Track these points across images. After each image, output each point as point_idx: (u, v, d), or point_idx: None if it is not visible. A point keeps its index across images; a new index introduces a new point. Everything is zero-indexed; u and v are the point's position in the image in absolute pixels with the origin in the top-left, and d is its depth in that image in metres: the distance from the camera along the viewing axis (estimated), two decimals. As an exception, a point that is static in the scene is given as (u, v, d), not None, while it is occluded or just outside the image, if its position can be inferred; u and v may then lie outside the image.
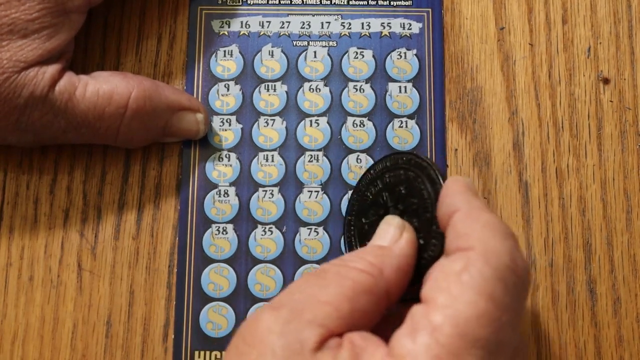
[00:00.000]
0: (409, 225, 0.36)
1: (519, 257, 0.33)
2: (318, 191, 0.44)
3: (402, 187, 0.38)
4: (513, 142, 0.45)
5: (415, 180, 0.37)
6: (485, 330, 0.30)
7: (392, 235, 0.36)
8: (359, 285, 0.33)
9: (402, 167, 0.38)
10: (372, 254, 0.35)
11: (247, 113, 0.45)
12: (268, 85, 0.45)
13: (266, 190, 0.44)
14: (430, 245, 0.36)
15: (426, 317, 0.31)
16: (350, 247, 0.40)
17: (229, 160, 0.44)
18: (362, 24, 0.46)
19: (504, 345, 0.31)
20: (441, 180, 0.36)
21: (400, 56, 0.46)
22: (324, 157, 0.44)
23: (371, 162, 0.44)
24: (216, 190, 0.44)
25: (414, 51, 0.46)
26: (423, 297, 0.32)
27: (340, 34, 0.46)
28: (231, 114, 0.45)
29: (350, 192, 0.44)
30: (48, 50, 0.39)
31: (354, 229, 0.40)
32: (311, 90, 0.45)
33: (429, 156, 0.44)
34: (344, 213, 0.43)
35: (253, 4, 0.46)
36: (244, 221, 0.43)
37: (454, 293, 0.31)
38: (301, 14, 0.46)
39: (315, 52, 0.46)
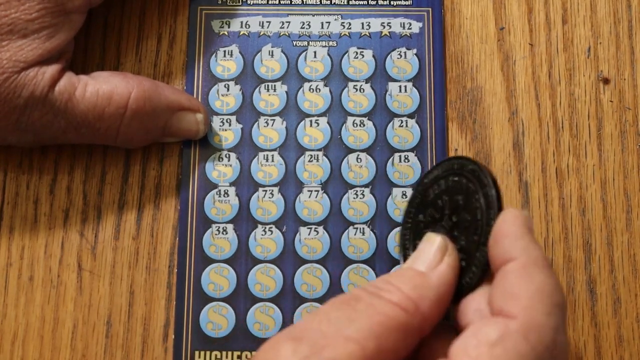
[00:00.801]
0: (452, 247, 0.34)
1: (560, 337, 0.30)
2: (318, 191, 0.44)
3: (460, 197, 0.35)
4: (513, 142, 0.45)
5: (473, 195, 0.35)
6: None
7: (433, 258, 0.33)
8: (391, 321, 0.31)
9: (466, 176, 0.35)
10: (410, 284, 0.32)
11: (247, 113, 0.45)
12: (268, 85, 0.45)
13: (266, 190, 0.44)
14: (470, 272, 0.34)
15: None
16: (403, 241, 0.38)
17: (229, 160, 0.44)
18: (362, 23, 0.46)
19: None
20: (496, 206, 0.34)
21: (400, 56, 0.46)
22: (324, 157, 0.44)
23: (371, 161, 0.44)
24: (216, 190, 0.44)
25: (414, 51, 0.46)
26: (449, 355, 0.30)
27: (340, 33, 0.46)
28: (231, 114, 0.45)
29: (349, 192, 0.44)
30: (48, 50, 0.39)
31: (411, 222, 0.38)
32: (311, 90, 0.45)
33: (429, 156, 0.44)
34: (344, 213, 0.43)
35: (253, 4, 0.46)
36: (244, 221, 0.43)
37: None
38: (301, 14, 0.46)
39: (315, 52, 0.46)
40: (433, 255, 0.34)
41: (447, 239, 0.34)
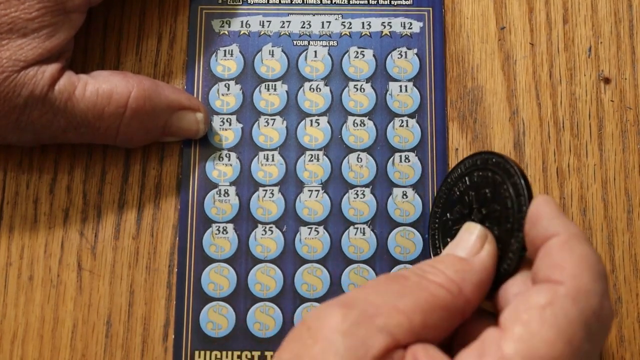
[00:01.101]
0: (490, 236, 0.35)
1: (607, 302, 0.31)
2: (318, 190, 0.44)
3: (487, 190, 0.36)
4: (514, 142, 0.45)
5: (501, 187, 0.36)
6: None
7: (473, 246, 0.35)
8: (436, 299, 0.32)
9: (491, 169, 0.36)
10: (452, 269, 0.33)
11: (248, 112, 0.45)
12: (268, 84, 0.45)
13: (266, 190, 0.44)
14: (507, 259, 0.34)
15: (498, 344, 0.30)
16: (433, 240, 0.40)
17: (229, 160, 0.44)
18: (363, 23, 0.46)
19: None
20: (526, 193, 0.35)
21: (401, 55, 0.46)
22: (325, 157, 0.44)
23: (372, 161, 0.44)
24: (216, 189, 0.44)
25: (415, 50, 0.46)
26: (500, 322, 0.31)
27: (341, 33, 0.46)
28: (231, 114, 0.45)
29: (350, 191, 0.44)
30: (48, 50, 0.39)
31: (439, 222, 0.39)
32: (311, 89, 0.45)
33: (429, 156, 0.44)
34: (344, 213, 0.43)
35: (253, 3, 0.46)
36: (244, 221, 0.43)
37: (533, 328, 0.30)
38: (301, 14, 0.46)
39: (315, 51, 0.46)
40: (473, 243, 0.35)
41: (485, 229, 0.36)
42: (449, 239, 0.37)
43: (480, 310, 0.34)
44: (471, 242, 0.35)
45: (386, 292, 0.32)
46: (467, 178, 0.38)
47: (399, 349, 0.31)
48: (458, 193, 0.38)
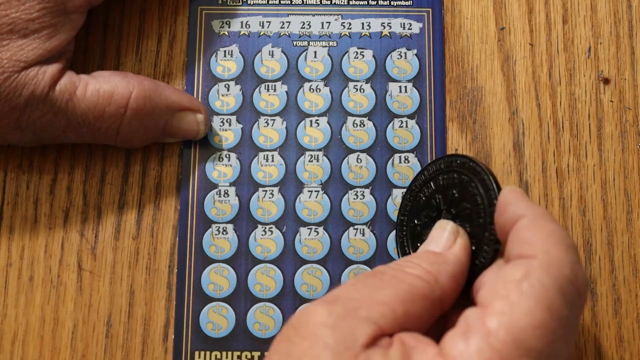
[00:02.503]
0: (462, 231, 0.36)
1: (579, 270, 0.32)
2: (318, 191, 0.44)
3: (455, 191, 0.37)
4: (513, 142, 0.45)
5: (469, 185, 0.37)
6: (540, 341, 0.30)
7: (446, 241, 0.36)
8: (415, 289, 0.33)
9: (456, 170, 0.37)
10: (428, 261, 0.34)
11: (247, 113, 0.45)
12: (268, 85, 0.45)
13: (266, 190, 0.44)
14: (482, 251, 0.35)
15: (481, 321, 0.31)
16: (402, 248, 0.40)
17: (229, 160, 0.44)
18: (362, 24, 0.46)
19: (556, 357, 0.31)
20: (495, 187, 0.36)
21: (401, 56, 0.46)
22: (324, 157, 0.44)
23: (371, 162, 0.44)
24: (216, 190, 0.44)
25: (414, 51, 0.46)
26: (479, 300, 0.32)
27: (341, 34, 0.46)
28: (231, 114, 0.45)
29: (349, 192, 0.44)
30: (48, 50, 0.39)
31: (406, 229, 0.40)
32: (311, 90, 0.45)
33: (429, 157, 0.44)
34: (344, 214, 0.43)
35: (253, 4, 0.46)
36: (244, 221, 0.43)
37: (513, 300, 0.31)
38: (301, 14, 0.46)
39: (315, 52, 0.46)
40: (446, 237, 0.36)
41: (457, 225, 0.37)
42: (419, 244, 0.38)
43: (460, 306, 0.35)
44: (444, 237, 0.36)
45: (366, 287, 0.33)
46: (431, 183, 0.39)
47: (386, 337, 0.31)
48: (424, 198, 0.39)
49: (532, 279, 0.31)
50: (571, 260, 0.32)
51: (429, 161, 0.44)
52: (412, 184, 0.40)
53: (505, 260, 0.34)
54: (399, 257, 0.41)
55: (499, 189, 0.35)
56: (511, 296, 0.31)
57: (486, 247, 0.35)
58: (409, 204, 0.40)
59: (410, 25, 0.46)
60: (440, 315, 0.34)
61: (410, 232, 0.40)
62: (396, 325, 0.32)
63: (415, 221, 0.39)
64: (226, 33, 0.46)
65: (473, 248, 0.36)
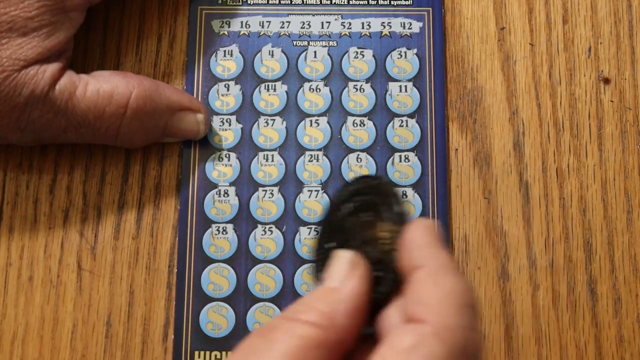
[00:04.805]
0: (360, 260, 0.34)
1: (473, 335, 0.31)
2: (318, 191, 0.44)
3: (367, 214, 0.36)
4: (513, 142, 0.45)
5: (379, 209, 0.35)
6: None
7: (343, 273, 0.34)
8: (307, 341, 0.31)
9: (369, 194, 0.36)
10: (323, 301, 0.33)
11: (247, 113, 0.45)
12: (268, 85, 0.45)
13: (266, 190, 0.44)
14: (385, 279, 0.34)
15: None
16: (317, 274, 0.39)
17: (229, 160, 0.44)
18: (362, 23, 0.46)
19: None
20: (402, 211, 0.35)
21: (401, 55, 0.46)
22: (324, 157, 0.44)
23: (372, 161, 0.44)
24: (216, 190, 0.44)
25: (415, 50, 0.46)
26: None
27: (341, 33, 0.46)
28: (231, 114, 0.45)
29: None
30: (48, 49, 0.39)
31: (322, 255, 0.38)
32: (311, 90, 0.45)
33: (429, 156, 0.44)
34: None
35: (253, 3, 0.46)
36: (244, 221, 0.43)
37: None
38: (301, 14, 0.46)
39: (315, 52, 0.46)
40: (343, 270, 0.34)
41: (356, 253, 0.35)
42: None
43: (368, 338, 0.34)
44: (341, 270, 0.34)
45: (253, 354, 0.31)
46: (345, 206, 0.37)
47: None
48: (338, 223, 0.37)
49: (422, 349, 0.30)
50: (466, 324, 0.31)
51: (429, 160, 0.44)
52: (328, 208, 0.38)
53: (403, 318, 0.32)
54: (315, 282, 0.40)
55: (404, 216, 0.34)
56: None
57: (391, 275, 0.34)
58: (324, 228, 0.38)
59: (410, 24, 0.46)
60: (343, 354, 0.33)
61: (327, 256, 0.37)
62: None
63: (331, 245, 0.37)
64: (226, 33, 0.46)
65: (381, 274, 0.34)
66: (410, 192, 0.44)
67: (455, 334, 0.30)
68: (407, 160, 0.44)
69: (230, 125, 0.45)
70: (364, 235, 0.36)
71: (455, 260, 0.34)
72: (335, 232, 0.37)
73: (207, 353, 0.42)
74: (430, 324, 0.30)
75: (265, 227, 0.43)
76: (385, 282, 0.34)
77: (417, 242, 0.33)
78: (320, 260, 0.38)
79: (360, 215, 0.36)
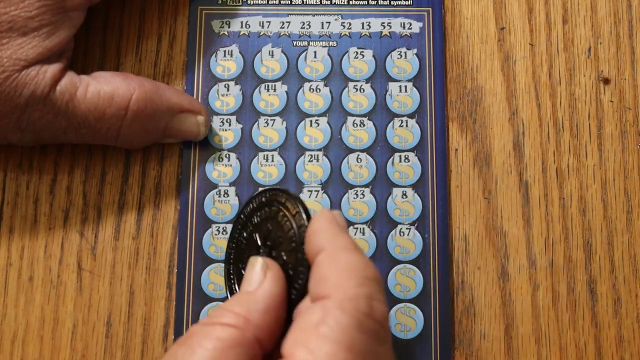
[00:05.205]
0: (271, 262, 0.35)
1: (377, 302, 0.32)
2: (318, 191, 0.44)
3: (269, 224, 0.37)
4: (513, 142, 0.45)
5: (278, 215, 0.37)
6: None
7: (257, 277, 0.35)
8: (224, 342, 0.32)
9: (267, 204, 0.37)
10: (238, 303, 0.34)
11: (247, 113, 0.45)
12: (268, 85, 0.45)
13: (266, 190, 0.44)
14: (299, 273, 0.35)
15: None
16: (231, 289, 0.39)
17: (229, 160, 0.44)
18: (362, 23, 0.46)
19: None
20: (300, 208, 0.36)
21: (401, 56, 0.46)
22: (324, 157, 0.44)
23: (371, 161, 0.44)
24: (216, 190, 0.44)
25: (414, 51, 0.46)
26: (283, 353, 0.31)
27: (340, 34, 0.46)
28: (231, 114, 0.45)
29: (349, 192, 0.44)
30: (48, 49, 0.39)
31: (234, 276, 0.39)
32: (311, 90, 0.45)
33: (429, 156, 0.44)
34: (344, 213, 0.43)
35: (253, 4, 0.46)
36: (244, 221, 0.43)
37: (312, 347, 0.30)
38: (301, 14, 0.46)
39: (315, 52, 0.46)
40: (256, 274, 0.35)
41: (267, 258, 0.36)
42: None
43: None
44: (255, 275, 0.35)
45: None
46: (249, 224, 0.38)
47: None
48: (244, 241, 0.38)
49: (328, 321, 0.31)
50: (367, 293, 0.32)
51: (429, 160, 0.44)
52: (232, 231, 0.40)
53: (310, 299, 0.34)
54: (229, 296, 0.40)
55: (306, 211, 0.36)
56: (311, 343, 0.30)
57: (301, 268, 0.35)
58: (232, 251, 0.39)
59: (410, 25, 0.46)
60: (265, 354, 0.33)
61: (238, 279, 0.39)
62: None
63: (240, 265, 0.39)
64: (226, 33, 0.46)
65: (291, 272, 0.35)
66: (410, 192, 0.44)
67: (358, 303, 0.32)
68: (407, 161, 0.44)
69: (230, 125, 0.45)
70: (269, 243, 0.37)
71: (357, 242, 0.36)
72: (243, 252, 0.38)
73: (207, 353, 0.42)
74: (332, 298, 0.32)
75: (265, 227, 0.43)
76: (301, 275, 0.35)
77: (319, 229, 0.34)
78: (233, 279, 0.39)
79: (263, 227, 0.37)
